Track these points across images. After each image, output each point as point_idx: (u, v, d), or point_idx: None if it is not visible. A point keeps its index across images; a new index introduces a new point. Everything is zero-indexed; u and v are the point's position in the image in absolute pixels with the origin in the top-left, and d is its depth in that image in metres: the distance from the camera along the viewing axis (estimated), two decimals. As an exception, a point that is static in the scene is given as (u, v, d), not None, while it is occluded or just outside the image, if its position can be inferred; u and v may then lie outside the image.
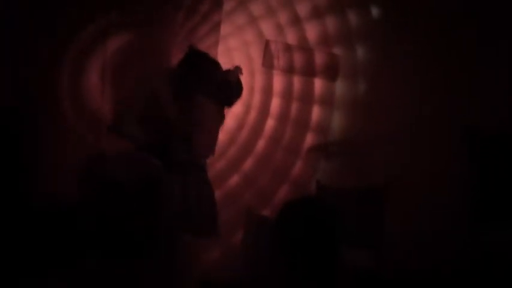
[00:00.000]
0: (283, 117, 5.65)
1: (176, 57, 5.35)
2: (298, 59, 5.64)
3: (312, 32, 5.61)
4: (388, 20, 5.57)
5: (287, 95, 5.64)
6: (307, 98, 5.65)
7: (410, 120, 5.47)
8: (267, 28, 5.60)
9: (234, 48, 5.57)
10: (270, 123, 5.65)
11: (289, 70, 5.64)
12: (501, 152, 5.41)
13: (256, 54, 5.62)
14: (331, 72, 5.67)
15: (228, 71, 5.19)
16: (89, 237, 1.79)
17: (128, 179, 1.78)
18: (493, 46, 5.39)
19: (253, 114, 5.65)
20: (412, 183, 5.41)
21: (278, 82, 5.65)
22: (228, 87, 5.11)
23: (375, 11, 5.61)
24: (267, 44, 5.58)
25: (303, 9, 5.58)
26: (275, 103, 5.65)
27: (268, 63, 5.60)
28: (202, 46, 5.38)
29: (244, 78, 5.60)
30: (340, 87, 5.71)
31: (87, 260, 1.81)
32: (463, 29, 5.40)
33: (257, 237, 5.17)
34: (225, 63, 5.51)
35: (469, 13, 5.38)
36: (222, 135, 5.58)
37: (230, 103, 5.19)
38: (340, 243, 2.24)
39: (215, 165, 5.54)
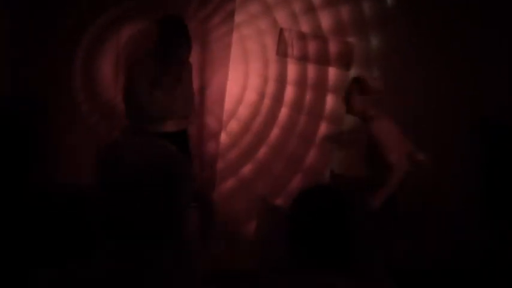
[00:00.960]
0: (297, 105, 5.63)
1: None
2: (312, 47, 5.62)
3: (326, 20, 5.58)
4: (402, 10, 5.55)
5: (301, 84, 5.63)
6: (321, 87, 5.63)
7: (422, 110, 5.46)
8: (281, 16, 5.58)
9: (247, 37, 5.56)
10: (284, 111, 5.64)
11: (303, 58, 5.62)
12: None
13: (271, 42, 5.60)
14: (345, 60, 5.64)
15: None
16: (105, 225, 1.80)
17: (145, 165, 1.78)
18: (497, 40, 5.39)
19: (267, 103, 5.64)
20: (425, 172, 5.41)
21: (292, 70, 5.63)
22: None
23: (389, 1, 5.59)
24: (281, 33, 5.57)
25: (317, -2, 5.57)
26: (289, 92, 5.64)
27: (282, 52, 5.60)
28: (216, 35, 5.38)
29: (258, 67, 5.61)
30: (354, 75, 5.69)
31: (103, 248, 1.82)
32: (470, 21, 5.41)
33: (271, 226, 5.19)
34: (239, 52, 5.51)
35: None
36: (236, 124, 5.60)
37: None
38: (354, 232, 2.23)
39: (229, 154, 5.56)
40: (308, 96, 5.64)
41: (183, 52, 4.65)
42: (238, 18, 5.42)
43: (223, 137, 5.49)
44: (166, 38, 4.58)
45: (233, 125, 5.58)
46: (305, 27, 5.62)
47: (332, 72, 5.64)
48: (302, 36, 5.61)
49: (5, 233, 2.28)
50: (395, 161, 4.47)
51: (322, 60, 5.62)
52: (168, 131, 4.65)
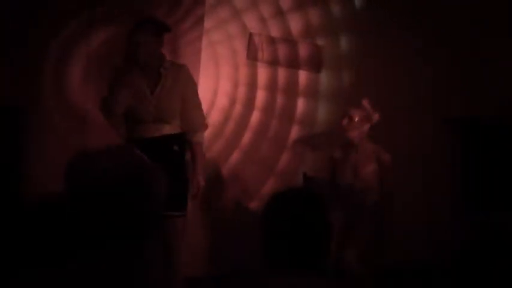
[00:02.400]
0: (268, 109, 5.65)
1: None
2: (282, 51, 5.64)
3: (295, 24, 5.61)
4: (371, 10, 5.59)
5: (272, 87, 5.64)
6: (292, 90, 5.66)
7: (395, 110, 5.49)
8: (251, 21, 5.60)
9: (217, 42, 5.57)
10: (255, 115, 5.65)
11: (273, 62, 5.64)
12: (496, 141, 5.47)
13: (240, 47, 5.61)
14: (315, 63, 5.67)
15: None
16: (80, 232, 1.80)
17: (115, 172, 1.77)
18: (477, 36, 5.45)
19: (238, 107, 5.64)
20: (402, 172, 5.45)
21: (263, 74, 5.64)
22: None
23: (357, 2, 5.62)
24: (250, 37, 5.59)
25: (286, 2, 5.59)
26: (260, 96, 5.65)
27: (252, 56, 5.61)
28: (186, 40, 5.38)
29: (228, 72, 5.61)
30: (324, 78, 5.71)
31: (79, 255, 1.81)
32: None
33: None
34: (209, 57, 5.51)
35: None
36: (208, 129, 5.59)
37: None
38: (328, 234, 2.24)
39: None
40: (279, 100, 5.66)
41: (145, 51, 4.47)
42: (207, 23, 5.43)
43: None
44: (128, 38, 4.52)
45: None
46: (274, 31, 5.64)
47: (302, 76, 5.67)
48: (271, 40, 5.63)
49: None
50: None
51: (292, 63, 5.64)
52: (145, 136, 4.55)
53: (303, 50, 5.67)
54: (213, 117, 5.59)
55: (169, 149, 4.58)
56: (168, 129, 4.59)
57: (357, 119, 4.87)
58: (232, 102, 5.63)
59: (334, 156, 5.05)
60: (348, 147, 4.97)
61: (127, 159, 1.84)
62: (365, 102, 4.90)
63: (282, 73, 5.66)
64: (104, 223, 1.77)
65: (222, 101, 5.61)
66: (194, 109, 4.68)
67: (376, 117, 4.91)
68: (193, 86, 4.73)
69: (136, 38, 4.46)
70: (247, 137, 5.66)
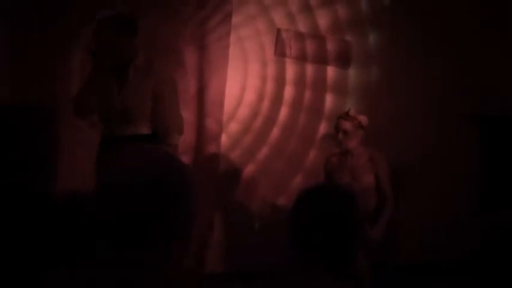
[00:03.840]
0: (296, 105, 5.65)
1: (187, 47, 5.37)
2: (310, 46, 5.63)
3: (323, 19, 5.60)
4: (399, 6, 5.56)
5: (300, 83, 5.64)
6: (320, 86, 5.65)
7: (421, 105, 5.48)
8: (279, 17, 5.59)
9: (245, 38, 5.57)
10: (283, 111, 5.65)
11: (301, 58, 5.63)
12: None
13: (268, 43, 5.61)
14: (343, 59, 5.66)
15: None
16: (107, 229, 1.80)
17: (145, 171, 1.76)
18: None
19: (266, 103, 5.64)
20: (424, 168, 5.44)
21: (291, 70, 5.64)
22: None
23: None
24: (278, 33, 5.59)
25: (314, -3, 5.58)
26: (288, 91, 5.65)
27: (280, 52, 5.61)
28: (214, 36, 5.38)
29: (256, 68, 5.61)
30: (352, 74, 5.70)
31: (105, 251, 1.82)
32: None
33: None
34: (237, 53, 5.52)
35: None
36: (236, 125, 5.60)
37: None
38: (358, 230, 2.23)
39: (230, 154, 5.56)
40: (307, 96, 5.65)
41: (112, 48, 4.24)
42: (235, 19, 5.43)
43: (224, 139, 5.50)
44: (99, 35, 4.29)
45: (233, 127, 5.59)
46: (302, 26, 5.63)
47: (331, 71, 5.66)
48: (300, 36, 5.62)
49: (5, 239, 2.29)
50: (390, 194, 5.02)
51: (321, 59, 5.63)
52: (110, 135, 4.31)
53: (331, 46, 5.65)
54: (241, 113, 5.60)
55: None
56: (137, 129, 4.32)
57: (350, 129, 4.96)
58: (261, 98, 5.63)
59: (330, 160, 5.14)
60: (343, 154, 5.06)
61: (157, 158, 1.84)
62: (351, 113, 5.01)
63: (310, 69, 5.65)
64: (133, 223, 1.77)
65: (250, 97, 5.61)
66: (169, 109, 4.39)
67: (366, 121, 5.02)
68: (169, 84, 4.44)
69: (102, 35, 4.25)
70: (275, 133, 5.66)
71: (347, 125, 4.97)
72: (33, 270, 2.24)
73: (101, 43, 4.24)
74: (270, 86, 5.63)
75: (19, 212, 2.32)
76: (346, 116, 5.01)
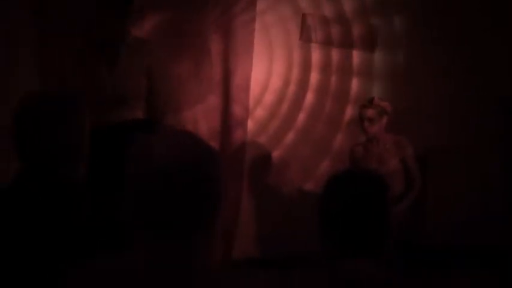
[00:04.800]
0: (322, 90, 5.64)
1: (212, 34, 5.36)
2: (335, 31, 5.62)
3: (348, 3, 5.58)
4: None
5: (326, 68, 5.63)
6: (346, 70, 5.64)
7: (448, 91, 5.46)
8: (303, 1, 5.57)
9: (271, 24, 5.56)
10: (309, 96, 5.65)
11: (327, 43, 5.62)
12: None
13: (294, 28, 5.60)
14: (369, 43, 5.65)
15: None
16: (137, 219, 1.81)
17: (175, 156, 1.76)
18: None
19: (292, 88, 5.64)
20: (451, 154, 5.42)
21: (316, 55, 5.63)
22: None
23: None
24: (303, 18, 5.57)
25: (338, -19, 5.56)
26: (314, 76, 5.64)
27: (305, 37, 5.60)
28: (239, 22, 5.38)
29: (282, 53, 5.61)
30: (378, 58, 5.68)
31: (135, 241, 1.83)
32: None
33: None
34: (262, 39, 5.51)
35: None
36: (262, 110, 5.61)
37: None
38: (389, 215, 2.23)
39: (256, 140, 5.57)
40: (333, 81, 5.65)
41: (104, 28, 4.11)
42: (260, 5, 5.41)
43: (250, 124, 5.50)
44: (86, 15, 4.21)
45: (259, 112, 5.59)
46: (327, 11, 5.61)
47: (356, 56, 5.65)
48: (325, 21, 5.60)
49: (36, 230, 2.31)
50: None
51: (346, 43, 5.62)
52: (104, 120, 4.01)
53: (356, 30, 5.64)
54: (267, 99, 5.60)
55: (132, 137, 4.08)
56: (129, 112, 4.18)
57: (374, 117, 4.98)
58: (286, 83, 5.62)
59: (355, 150, 5.16)
60: (369, 142, 5.11)
61: (187, 143, 1.84)
62: (375, 101, 5.04)
63: (335, 53, 5.64)
64: (164, 209, 1.78)
65: (276, 82, 5.61)
66: (163, 88, 4.33)
67: (389, 107, 5.04)
68: (159, 62, 4.33)
69: (94, 14, 4.11)
70: (301, 118, 5.66)
71: (371, 112, 4.99)
72: (60, 261, 2.26)
73: (92, 22, 4.13)
74: (295, 72, 5.63)
75: (48, 199, 2.34)
76: (369, 103, 5.02)
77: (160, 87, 4.30)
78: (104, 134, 3.87)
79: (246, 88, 5.42)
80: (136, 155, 1.87)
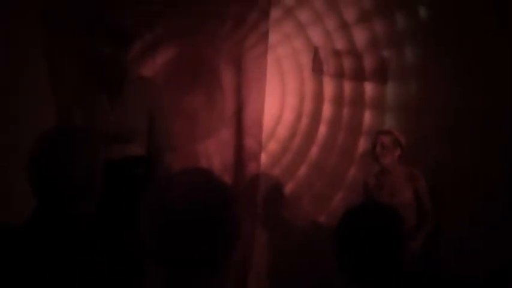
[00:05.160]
0: (335, 122, 5.64)
1: (225, 67, 5.39)
2: (347, 63, 5.63)
3: (359, 36, 5.59)
4: (435, 21, 5.53)
5: (338, 100, 5.64)
6: (358, 103, 5.64)
7: (460, 120, 5.44)
8: (315, 35, 5.60)
9: (283, 57, 5.59)
10: (322, 129, 5.65)
11: (339, 75, 5.63)
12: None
13: (306, 61, 5.62)
14: (380, 75, 5.65)
15: None
16: (155, 253, 1.82)
17: (195, 195, 1.77)
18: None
19: (305, 121, 5.65)
20: (463, 184, 5.40)
21: (328, 88, 5.64)
22: None
23: (422, 12, 5.57)
24: (315, 51, 5.59)
25: (350, 14, 5.57)
26: (326, 109, 5.65)
27: (317, 70, 5.61)
28: (251, 56, 5.40)
29: (294, 86, 5.62)
30: (390, 89, 5.68)
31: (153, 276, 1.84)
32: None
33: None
34: (274, 72, 5.53)
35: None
36: (275, 144, 5.61)
37: None
38: (403, 247, 2.23)
39: (269, 173, 5.57)
40: (346, 113, 5.65)
41: (108, 62, 4.08)
42: (272, 38, 5.44)
43: (263, 158, 5.50)
44: (89, 49, 4.16)
45: (272, 145, 5.60)
46: (339, 44, 5.63)
47: (368, 88, 5.65)
48: (337, 53, 5.62)
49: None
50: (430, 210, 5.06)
51: (358, 76, 5.63)
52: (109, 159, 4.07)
53: (369, 62, 5.65)
54: (280, 132, 5.61)
55: (130, 174, 4.11)
56: (131, 149, 4.19)
57: (388, 144, 4.99)
58: (299, 116, 5.64)
59: (368, 182, 5.14)
60: (381, 173, 5.09)
61: (206, 182, 1.85)
62: (392, 130, 5.11)
63: (347, 86, 5.65)
64: (178, 246, 1.78)
65: (288, 115, 5.62)
66: (163, 127, 4.32)
67: (404, 140, 5.06)
68: (161, 101, 4.34)
69: (98, 48, 4.06)
70: (314, 151, 5.66)
71: (385, 139, 4.98)
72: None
73: (97, 56, 4.08)
74: (308, 104, 5.64)
75: (64, 234, 2.35)
76: (385, 131, 5.03)
77: (161, 127, 4.31)
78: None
79: (259, 121, 5.43)
80: (153, 193, 1.88)
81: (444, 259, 5.35)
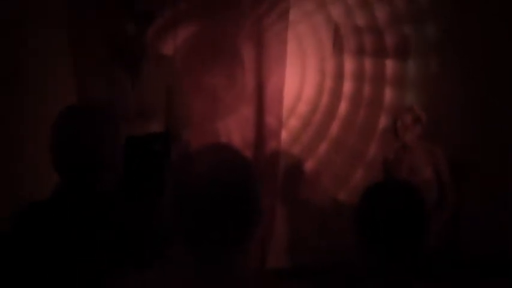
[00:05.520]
0: (355, 99, 5.63)
1: (245, 44, 5.38)
2: (368, 40, 5.61)
3: (380, 12, 5.56)
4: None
5: (359, 78, 5.62)
6: (379, 79, 5.63)
7: (482, 96, 5.41)
8: (336, 11, 5.57)
9: (303, 34, 5.56)
10: (342, 106, 5.64)
11: (359, 52, 5.61)
12: None
13: (326, 38, 5.59)
14: (402, 52, 5.63)
15: None
16: (176, 233, 1.84)
17: (217, 171, 1.78)
18: None
19: (325, 98, 5.63)
20: (484, 161, 5.38)
21: (349, 65, 5.62)
22: None
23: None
24: (336, 28, 5.57)
25: (371, -10, 5.54)
26: (347, 86, 5.63)
27: (338, 47, 5.59)
28: (271, 33, 5.39)
29: (315, 63, 5.61)
30: (411, 66, 5.67)
31: (178, 255, 1.86)
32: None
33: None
34: (294, 49, 5.51)
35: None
36: (296, 121, 5.61)
37: None
38: (424, 225, 2.23)
39: (290, 150, 5.58)
40: (366, 90, 5.63)
41: (129, 40, 4.10)
42: (293, 15, 5.42)
43: (284, 135, 5.50)
44: (110, 27, 4.17)
45: (293, 122, 5.59)
46: (360, 20, 5.60)
47: (389, 65, 5.63)
48: (357, 30, 5.59)
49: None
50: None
51: (379, 52, 5.60)
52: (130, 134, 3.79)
53: (389, 39, 5.62)
54: (301, 109, 5.60)
55: (149, 150, 4.03)
56: (151, 126, 4.21)
57: (409, 121, 4.97)
58: (320, 93, 5.62)
59: (388, 158, 5.12)
60: (401, 149, 5.08)
61: (229, 158, 1.86)
62: (414, 107, 5.08)
63: (368, 63, 5.63)
64: (202, 221, 1.79)
65: (309, 92, 5.61)
66: (181, 103, 4.37)
67: (424, 117, 5.02)
68: (178, 77, 4.39)
69: (119, 26, 4.08)
70: (335, 128, 5.65)
71: (406, 116, 4.97)
72: (99, 271, 2.28)
73: (117, 34, 4.12)
74: (328, 81, 5.62)
75: (87, 211, 2.38)
76: (405, 107, 5.01)
77: (179, 103, 4.36)
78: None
79: (279, 98, 5.42)
80: (177, 168, 1.89)
81: (462, 239, 5.35)
